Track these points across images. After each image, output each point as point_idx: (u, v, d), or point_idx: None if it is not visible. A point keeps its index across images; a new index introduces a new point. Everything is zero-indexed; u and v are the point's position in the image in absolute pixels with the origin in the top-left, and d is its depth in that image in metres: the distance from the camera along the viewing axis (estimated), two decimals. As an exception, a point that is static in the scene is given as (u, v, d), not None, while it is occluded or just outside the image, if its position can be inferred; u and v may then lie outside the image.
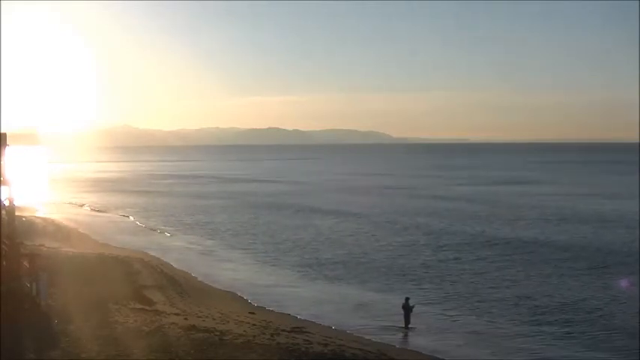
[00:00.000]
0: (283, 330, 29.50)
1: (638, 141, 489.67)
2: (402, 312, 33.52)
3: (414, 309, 33.87)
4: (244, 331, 28.44)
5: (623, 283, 42.14)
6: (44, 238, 54.26)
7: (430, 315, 35.92)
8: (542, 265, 48.49)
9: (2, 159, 29.13)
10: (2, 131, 29.58)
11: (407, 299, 34.61)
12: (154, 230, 71.23)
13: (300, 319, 33.80)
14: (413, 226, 70.02)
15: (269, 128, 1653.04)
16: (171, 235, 67.13)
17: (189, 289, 39.74)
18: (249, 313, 34.40)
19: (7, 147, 29.52)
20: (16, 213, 30.49)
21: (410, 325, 33.04)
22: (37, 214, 74.61)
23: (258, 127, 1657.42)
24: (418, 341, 31.27)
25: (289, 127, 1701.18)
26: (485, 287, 41.89)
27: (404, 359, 28.06)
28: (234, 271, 48.49)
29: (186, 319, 30.21)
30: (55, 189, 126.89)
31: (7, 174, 29.44)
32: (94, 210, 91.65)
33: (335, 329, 31.93)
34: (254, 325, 30.34)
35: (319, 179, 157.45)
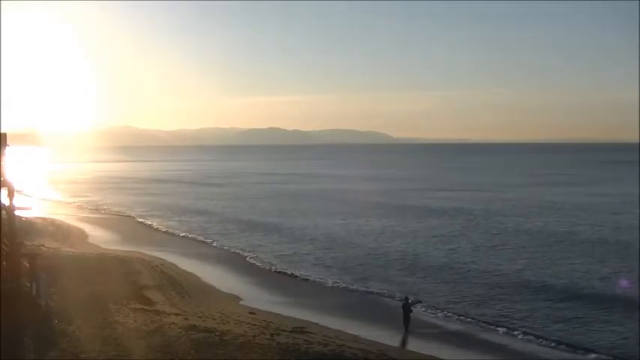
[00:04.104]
0: (283, 330, 29.48)
1: (638, 141, 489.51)
2: (403, 312, 33.48)
3: (413, 309, 33.90)
4: (244, 331, 28.43)
5: (622, 282, 42.16)
6: (44, 238, 54.22)
7: (431, 315, 35.96)
8: (554, 268, 47.86)
9: (2, 159, 29.11)
10: (3, 131, 29.53)
11: (407, 299, 34.63)
12: (155, 229, 71.27)
13: (300, 319, 33.76)
14: (429, 226, 69.89)
15: (269, 128, 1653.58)
16: (172, 234, 67.19)
17: (190, 289, 39.70)
18: (250, 313, 34.39)
19: (7, 147, 29.50)
20: (16, 213, 30.44)
21: (410, 326, 33.00)
22: (37, 214, 74.51)
23: (258, 127, 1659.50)
24: (418, 341, 31.24)
25: (289, 127, 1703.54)
26: (490, 289, 41.79)
27: (405, 359, 28.06)
28: (235, 271, 48.52)
29: (186, 319, 30.20)
30: (56, 189, 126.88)
31: (8, 174, 29.43)
32: (94, 210, 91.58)
33: (335, 329, 31.89)
34: (254, 325, 30.33)
35: (325, 182, 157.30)
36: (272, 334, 28.09)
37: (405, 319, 33.12)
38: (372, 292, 41.29)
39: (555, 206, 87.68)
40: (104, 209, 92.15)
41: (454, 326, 34.16)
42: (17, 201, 30.35)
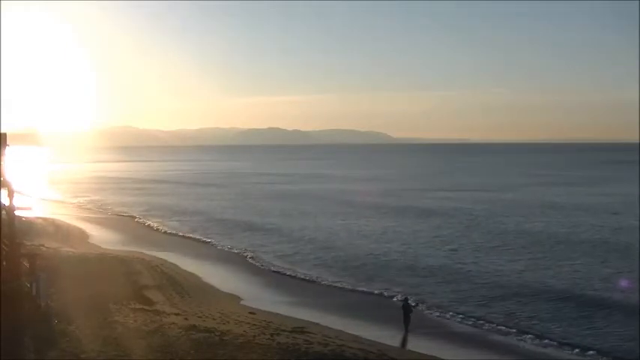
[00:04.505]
0: (283, 330, 29.45)
1: (638, 141, 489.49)
2: (403, 312, 33.44)
3: (413, 309, 33.88)
4: (244, 331, 28.40)
5: (623, 282, 42.14)
6: (44, 238, 54.20)
7: (432, 315, 35.95)
8: (556, 268, 47.49)
9: (2, 159, 29.07)
10: (2, 131, 29.50)
11: (406, 299, 34.62)
12: (156, 230, 71.23)
13: (300, 319, 33.73)
14: (430, 227, 69.74)
15: (269, 128, 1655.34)
16: (173, 235, 67.14)
17: (190, 289, 39.68)
18: (250, 313, 34.36)
19: (7, 147, 29.46)
20: (16, 213, 30.41)
21: (410, 326, 32.94)
22: (37, 214, 74.50)
23: (258, 127, 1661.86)
24: (419, 342, 31.21)
25: (289, 127, 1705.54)
26: (491, 289, 41.71)
27: (405, 359, 28.03)
28: (235, 271, 48.51)
29: (186, 319, 30.17)
30: (55, 189, 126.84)
31: (8, 174, 29.40)
32: (95, 210, 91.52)
33: (336, 329, 31.85)
34: (254, 325, 30.30)
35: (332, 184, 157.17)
36: (272, 334, 28.06)
37: (405, 319, 33.08)
38: (372, 293, 41.24)
39: (556, 206, 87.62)
40: (104, 209, 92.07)
41: (455, 326, 34.14)
42: (17, 201, 30.32)
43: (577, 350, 30.10)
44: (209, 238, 64.07)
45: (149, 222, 77.10)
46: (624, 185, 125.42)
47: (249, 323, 30.64)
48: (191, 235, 66.41)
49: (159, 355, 23.69)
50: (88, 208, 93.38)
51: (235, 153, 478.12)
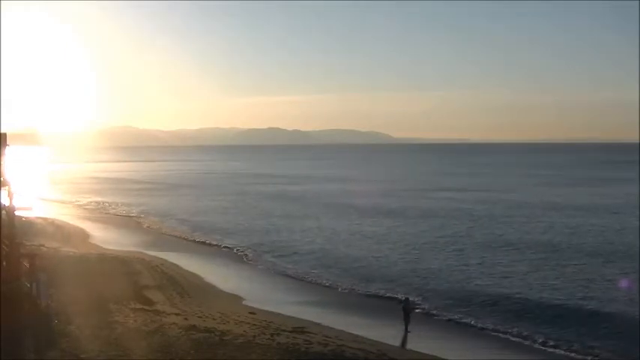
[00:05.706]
0: (284, 330, 29.41)
1: (638, 141, 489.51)
2: (403, 312, 33.41)
3: (414, 310, 33.84)
4: (244, 331, 28.35)
5: (624, 283, 42.10)
6: (44, 238, 54.14)
7: (432, 315, 35.91)
8: (558, 269, 47.42)
9: (2, 159, 29.01)
10: (2, 131, 29.42)
11: (406, 300, 34.57)
12: (155, 230, 71.19)
13: (301, 319, 33.69)
14: (432, 227, 69.61)
15: (269, 128, 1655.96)
16: (173, 235, 67.09)
17: (191, 289, 39.65)
18: (250, 313, 34.33)
19: (7, 147, 29.40)
20: (16, 213, 30.35)
21: (411, 326, 32.90)
22: (37, 214, 74.40)
23: (258, 127, 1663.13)
24: (419, 342, 31.16)
25: (289, 127, 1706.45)
26: (493, 290, 41.66)
27: (405, 359, 27.99)
28: (236, 271, 48.48)
29: (186, 319, 30.12)
30: (56, 189, 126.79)
31: (7, 174, 29.34)
32: (95, 210, 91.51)
33: (336, 329, 31.81)
34: (254, 325, 30.25)
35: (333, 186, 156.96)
36: (272, 334, 28.00)
37: (406, 319, 33.05)
38: (373, 293, 41.20)
39: (557, 207, 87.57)
40: (105, 209, 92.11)
41: (456, 326, 34.09)
42: (17, 201, 30.27)
43: (578, 351, 30.04)
44: (210, 238, 64.01)
45: (149, 222, 77.06)
46: (624, 185, 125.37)
47: (249, 323, 30.59)
48: (191, 236, 66.35)
49: (159, 355, 23.64)
50: (88, 209, 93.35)
51: (235, 153, 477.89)
